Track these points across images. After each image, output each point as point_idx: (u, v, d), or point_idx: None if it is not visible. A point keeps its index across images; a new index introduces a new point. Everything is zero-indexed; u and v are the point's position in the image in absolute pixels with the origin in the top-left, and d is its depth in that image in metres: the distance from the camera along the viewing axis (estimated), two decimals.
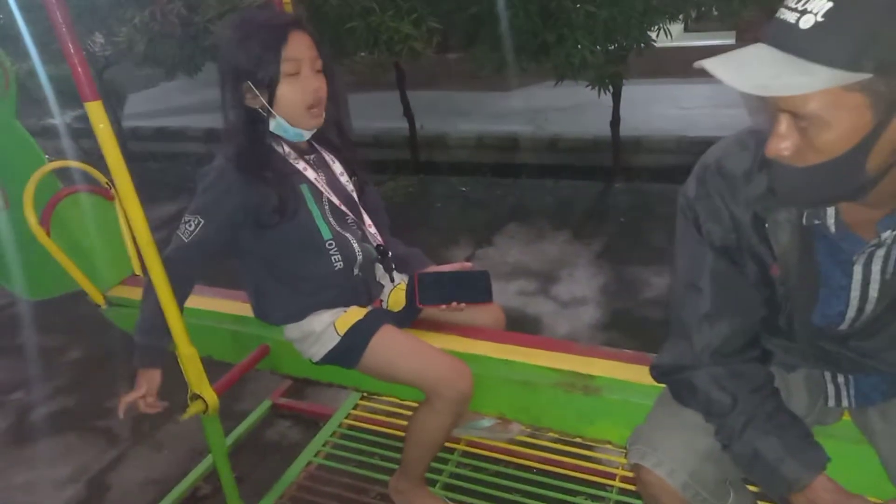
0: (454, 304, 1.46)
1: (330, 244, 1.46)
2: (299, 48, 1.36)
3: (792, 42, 0.76)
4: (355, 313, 1.50)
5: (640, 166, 4.30)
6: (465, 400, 1.43)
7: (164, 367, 1.44)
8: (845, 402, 1.11)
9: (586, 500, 1.72)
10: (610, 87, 3.70)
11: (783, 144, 0.81)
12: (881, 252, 0.91)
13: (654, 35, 3.51)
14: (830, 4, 0.73)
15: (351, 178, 1.55)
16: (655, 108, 4.64)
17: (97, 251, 1.85)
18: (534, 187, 4.30)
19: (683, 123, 4.70)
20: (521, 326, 2.66)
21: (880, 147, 0.77)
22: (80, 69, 1.20)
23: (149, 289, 1.41)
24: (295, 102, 1.38)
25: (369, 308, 1.54)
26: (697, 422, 1.06)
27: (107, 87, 5.53)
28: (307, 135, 1.46)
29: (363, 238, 1.54)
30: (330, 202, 1.48)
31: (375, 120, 5.54)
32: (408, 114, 4.62)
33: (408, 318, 1.58)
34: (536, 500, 1.71)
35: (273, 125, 1.42)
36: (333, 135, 1.55)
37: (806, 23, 0.74)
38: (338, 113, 1.55)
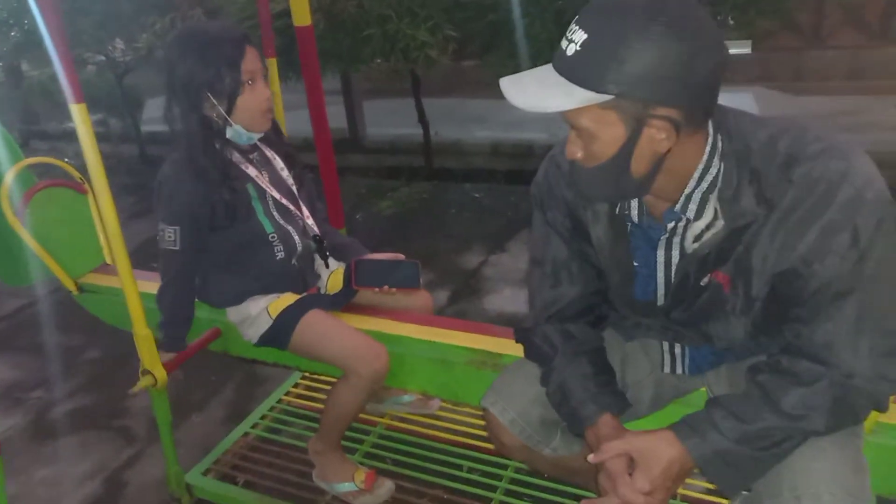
0: (386, 287, 1.64)
1: (273, 237, 1.64)
2: (254, 60, 1.51)
3: (562, 67, 0.92)
4: (287, 299, 1.67)
5: None
6: (379, 377, 1.58)
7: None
8: (679, 370, 1.26)
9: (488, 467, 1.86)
10: None
11: (572, 149, 0.99)
12: (675, 239, 1.05)
13: None
14: (586, 36, 0.89)
15: (290, 173, 1.70)
16: None
17: (70, 241, 1.99)
18: None
19: None
20: None
21: (639, 154, 0.94)
22: (67, 73, 1.30)
23: (164, 290, 1.65)
24: (254, 109, 1.53)
25: (302, 294, 1.70)
26: (534, 372, 1.24)
27: (126, 93, 5.62)
28: (257, 137, 1.61)
29: (303, 231, 1.71)
30: (273, 198, 1.64)
31: (390, 126, 5.57)
32: (423, 120, 4.65)
33: (343, 300, 1.75)
34: (447, 467, 1.86)
35: (230, 133, 1.56)
36: (272, 133, 1.68)
37: (570, 51, 0.91)
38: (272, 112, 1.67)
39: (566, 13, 3.28)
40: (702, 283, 1.07)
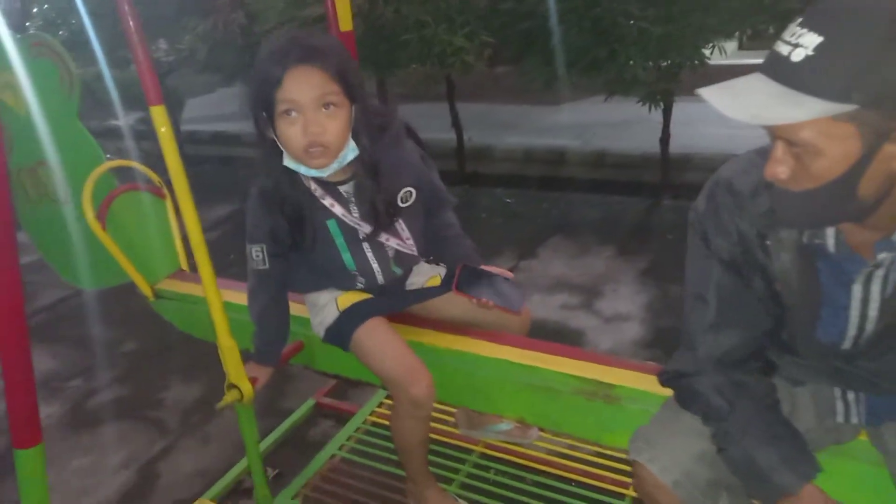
0: (485, 300, 1.47)
1: (354, 273, 1.54)
2: (298, 87, 1.28)
3: (784, 74, 0.81)
4: (360, 294, 1.56)
5: (689, 184, 4.23)
6: (417, 405, 1.45)
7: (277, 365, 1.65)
8: (854, 419, 1.13)
9: None
10: (661, 104, 3.68)
11: (779, 168, 0.86)
12: (880, 272, 0.94)
13: (707, 52, 3.48)
14: (821, 39, 0.78)
15: (401, 194, 1.48)
16: (705, 127, 4.57)
17: (148, 246, 1.96)
18: (580, 201, 4.29)
19: (733, 143, 4.61)
20: (562, 339, 2.65)
21: (871, 173, 0.82)
22: (147, 75, 1.30)
23: (251, 293, 1.57)
24: (291, 143, 1.33)
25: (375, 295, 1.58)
26: (696, 425, 1.10)
27: (168, 92, 5.75)
28: (324, 172, 1.39)
29: (396, 258, 1.55)
30: (366, 235, 1.48)
31: (424, 130, 5.51)
32: (456, 125, 4.66)
33: (427, 295, 1.63)
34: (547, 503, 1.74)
35: (286, 160, 1.39)
36: (379, 158, 1.43)
37: (797, 56, 0.79)
38: (383, 133, 1.45)
39: (603, 21, 3.27)
40: None
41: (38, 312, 3.30)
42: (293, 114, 1.31)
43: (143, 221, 1.94)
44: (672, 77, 3.55)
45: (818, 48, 0.78)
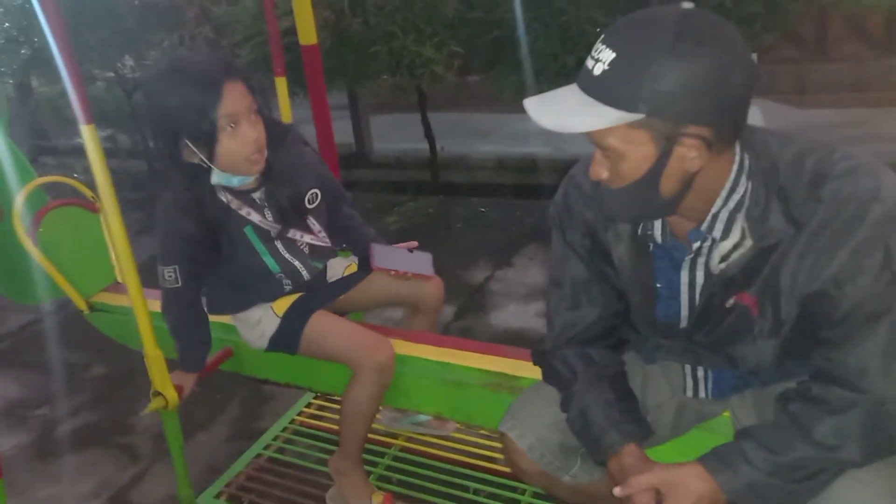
0: (402, 271, 1.65)
1: (279, 276, 1.61)
2: (235, 101, 1.35)
3: (589, 85, 0.91)
4: (292, 297, 1.64)
5: None
6: (384, 369, 1.54)
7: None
8: (702, 394, 1.22)
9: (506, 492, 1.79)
10: None
11: (598, 169, 0.97)
12: (701, 259, 1.03)
13: None
14: (614, 55, 0.87)
15: (308, 196, 1.59)
16: None
17: (82, 260, 1.98)
18: None
19: None
20: None
21: (668, 174, 0.92)
22: (77, 94, 1.30)
23: (165, 310, 1.60)
24: (235, 155, 1.39)
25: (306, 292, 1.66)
26: (554, 396, 1.20)
27: (135, 108, 5.66)
28: (250, 179, 1.49)
29: (312, 253, 1.65)
30: (278, 234, 1.56)
31: (396, 141, 5.59)
32: (428, 135, 4.66)
33: (354, 282, 1.74)
34: (460, 490, 1.81)
35: (215, 178, 1.44)
36: (283, 162, 1.53)
37: (597, 70, 0.89)
38: (284, 138, 1.54)
39: (570, 29, 3.30)
40: (727, 305, 1.04)
41: (3, 338, 3.20)
42: (232, 127, 1.37)
43: (76, 236, 1.96)
44: None
45: (611, 63, 0.87)
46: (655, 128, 0.88)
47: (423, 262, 1.69)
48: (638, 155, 0.91)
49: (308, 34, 1.87)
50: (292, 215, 1.57)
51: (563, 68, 3.42)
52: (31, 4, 4.81)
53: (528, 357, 1.36)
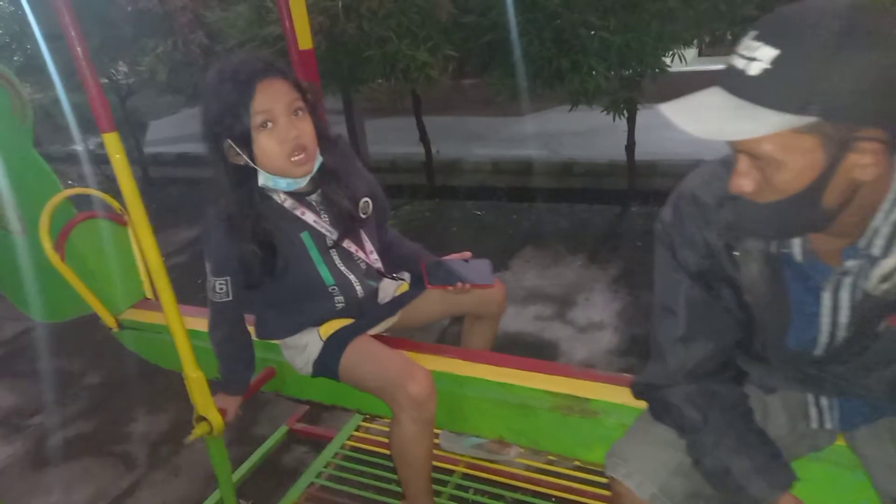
0: (459, 284, 1.52)
1: (333, 289, 1.50)
2: (270, 97, 1.31)
3: (742, 88, 0.80)
4: (340, 322, 1.53)
5: (656, 190, 4.28)
6: (421, 404, 1.36)
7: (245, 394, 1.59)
8: (829, 425, 1.12)
9: None
10: (625, 112, 3.71)
11: (743, 182, 0.85)
12: (848, 280, 0.93)
13: (668, 61, 3.53)
14: (777, 52, 0.77)
15: (359, 203, 1.51)
16: (670, 133, 4.65)
17: (110, 275, 1.89)
18: (549, 211, 4.30)
19: (698, 147, 4.67)
20: (537, 352, 2.64)
21: (835, 184, 0.81)
22: (98, 102, 1.26)
23: (213, 325, 1.51)
24: (274, 154, 1.34)
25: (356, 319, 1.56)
26: (670, 437, 1.09)
27: (129, 115, 5.65)
28: (302, 181, 1.41)
29: (366, 272, 1.55)
30: (334, 241, 1.47)
31: (392, 145, 5.59)
32: (424, 139, 4.65)
33: (407, 300, 1.63)
34: None
35: (262, 180, 1.38)
36: (337, 166, 1.48)
37: (754, 69, 0.78)
38: (336, 143, 1.49)
39: (564, 32, 3.29)
40: (877, 330, 0.95)
41: None
42: (269, 125, 1.33)
43: (104, 250, 1.88)
44: (634, 85, 3.59)
45: (775, 61, 0.77)
46: (827, 132, 0.77)
47: (482, 270, 1.55)
48: (802, 164, 0.80)
49: (304, 39, 1.86)
50: (349, 221, 1.49)
51: (557, 71, 3.42)
52: (23, 11, 4.76)
53: (599, 378, 1.29)
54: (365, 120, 5.40)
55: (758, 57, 0.78)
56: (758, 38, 0.80)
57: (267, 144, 1.33)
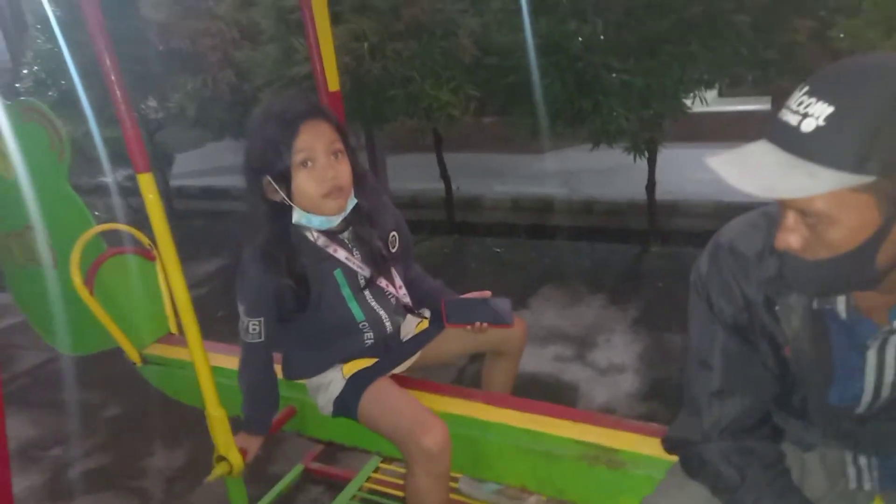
0: (478, 324, 1.53)
1: (363, 325, 1.52)
2: (312, 137, 1.36)
3: (795, 144, 0.78)
4: (364, 361, 1.53)
5: (676, 230, 4.26)
6: (434, 457, 1.34)
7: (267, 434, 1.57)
8: (867, 485, 1.08)
9: None
10: (645, 152, 3.72)
11: (791, 238, 0.84)
12: (894, 338, 0.91)
13: (689, 102, 3.55)
14: (831, 109, 0.75)
15: (389, 238, 1.54)
16: (691, 173, 4.63)
17: (136, 310, 1.91)
18: (569, 249, 4.29)
19: (719, 188, 4.65)
20: (556, 394, 2.61)
21: (889, 242, 0.79)
22: (134, 143, 1.29)
23: (244, 365, 1.52)
24: (310, 193, 1.38)
25: (378, 359, 1.56)
26: (703, 495, 1.06)
27: (157, 149, 5.78)
28: (335, 220, 1.45)
29: (395, 308, 1.57)
30: (366, 279, 1.49)
31: (412, 181, 5.64)
32: (444, 175, 4.70)
33: (426, 339, 1.64)
34: None
35: (296, 217, 1.42)
36: (369, 205, 1.51)
37: (807, 126, 0.77)
38: (366, 186, 1.52)
39: (586, 73, 3.33)
40: None
41: (18, 377, 3.21)
42: (309, 164, 1.37)
43: (131, 285, 1.90)
44: (655, 126, 3.61)
45: (829, 118, 0.76)
46: (883, 190, 0.76)
47: (501, 310, 1.53)
48: (856, 222, 0.78)
49: (332, 80, 1.90)
50: (380, 259, 1.51)
51: (579, 112, 3.45)
52: (59, 49, 4.91)
53: (627, 427, 1.26)
54: (386, 156, 5.48)
55: (811, 113, 0.77)
56: (810, 94, 0.78)
57: (305, 182, 1.37)
